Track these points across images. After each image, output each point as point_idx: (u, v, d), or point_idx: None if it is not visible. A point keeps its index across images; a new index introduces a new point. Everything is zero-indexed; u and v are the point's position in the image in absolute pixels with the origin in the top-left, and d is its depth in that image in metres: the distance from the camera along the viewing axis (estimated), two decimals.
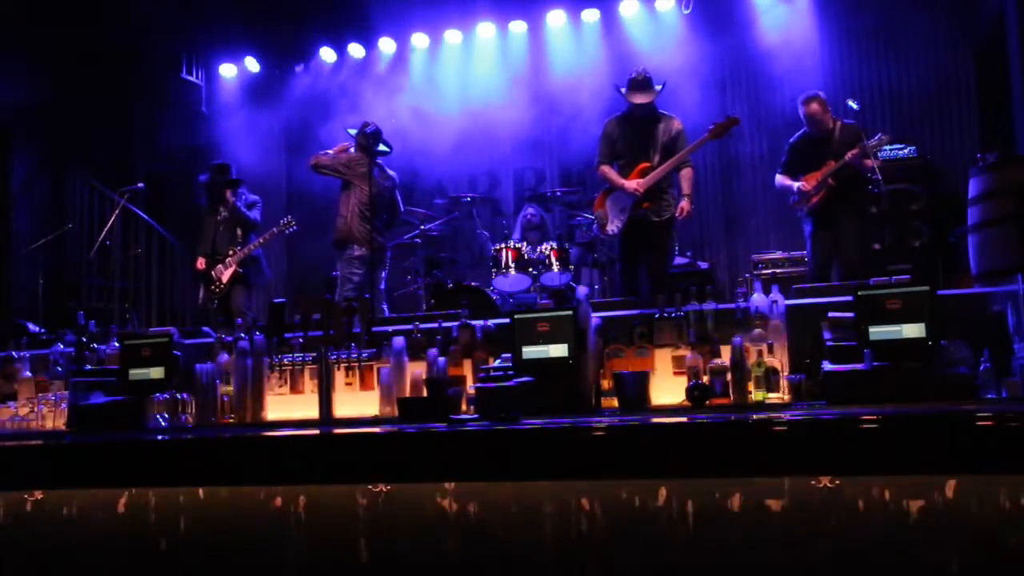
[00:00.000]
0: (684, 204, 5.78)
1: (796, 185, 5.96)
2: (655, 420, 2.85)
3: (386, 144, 6.85)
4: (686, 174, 5.84)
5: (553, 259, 7.17)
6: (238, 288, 6.83)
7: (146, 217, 8.54)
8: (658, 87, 5.88)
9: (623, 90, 5.91)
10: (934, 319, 3.49)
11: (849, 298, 3.73)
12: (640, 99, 5.83)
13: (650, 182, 5.72)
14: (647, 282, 5.79)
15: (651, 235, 5.80)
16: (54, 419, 4.59)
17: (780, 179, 6.16)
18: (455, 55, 9.78)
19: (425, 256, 7.78)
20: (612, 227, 5.87)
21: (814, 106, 6.02)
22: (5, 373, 5.08)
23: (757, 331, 3.91)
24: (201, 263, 6.90)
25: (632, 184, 5.72)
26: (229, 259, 6.78)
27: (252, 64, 10.12)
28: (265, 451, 3.03)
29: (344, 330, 4.63)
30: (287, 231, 6.94)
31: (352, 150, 6.77)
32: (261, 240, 6.89)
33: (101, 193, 8.60)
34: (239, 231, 6.89)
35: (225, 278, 6.75)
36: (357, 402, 4.36)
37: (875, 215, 7.48)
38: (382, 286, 6.87)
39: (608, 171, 5.89)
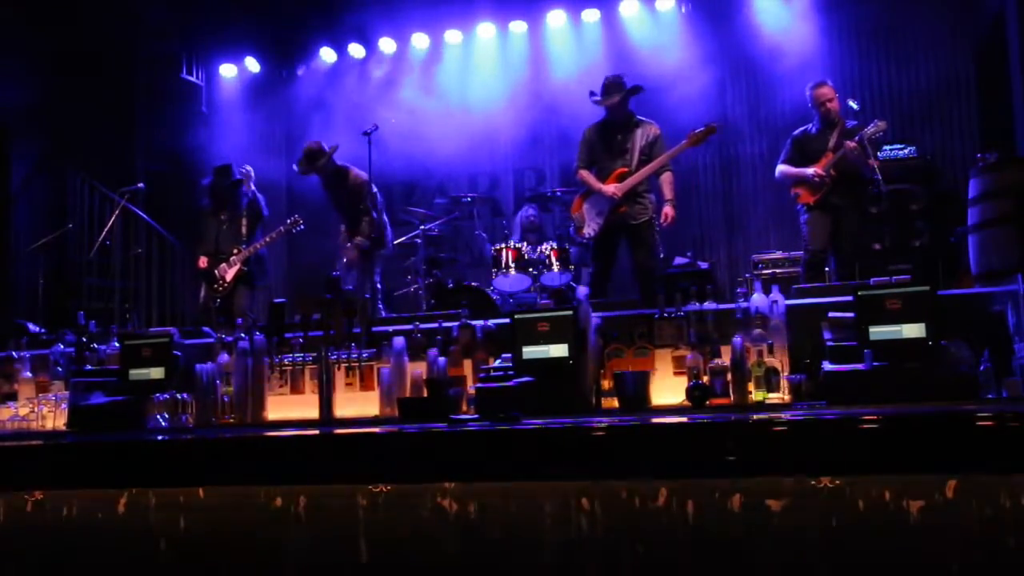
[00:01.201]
0: (668, 210, 5.90)
1: (811, 171, 5.91)
2: (655, 420, 2.85)
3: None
4: (666, 178, 5.96)
5: (553, 259, 7.18)
6: (241, 288, 6.79)
7: (146, 217, 8.54)
8: (630, 87, 5.98)
9: (597, 98, 6.04)
10: (934, 319, 3.49)
11: (849, 298, 3.73)
12: (608, 102, 5.97)
13: (628, 186, 5.86)
14: (637, 282, 5.91)
15: (631, 237, 5.94)
16: (54, 419, 4.59)
17: (783, 168, 6.14)
18: (455, 55, 9.78)
19: (425, 256, 7.79)
20: (589, 230, 6.02)
21: (824, 89, 6.04)
22: (5, 373, 5.08)
23: (757, 331, 3.90)
24: (203, 262, 6.85)
25: (610, 188, 5.87)
26: (233, 257, 6.75)
27: (252, 64, 10.13)
28: (265, 451, 3.03)
29: (344, 330, 4.64)
30: (294, 230, 6.91)
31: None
32: (267, 239, 6.86)
33: (101, 193, 8.60)
34: (244, 230, 6.85)
35: (229, 277, 6.72)
36: (357, 402, 4.36)
37: (875, 215, 7.48)
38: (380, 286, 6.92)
39: (587, 175, 6.05)
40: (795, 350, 3.95)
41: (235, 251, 6.76)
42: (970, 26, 8.32)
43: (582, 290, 4.80)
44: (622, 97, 5.94)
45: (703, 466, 2.49)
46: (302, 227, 6.89)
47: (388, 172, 9.06)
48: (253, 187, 6.96)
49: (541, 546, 2.61)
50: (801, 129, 6.20)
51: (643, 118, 6.07)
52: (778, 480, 2.43)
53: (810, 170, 5.92)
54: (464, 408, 4.05)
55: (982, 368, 3.44)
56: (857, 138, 5.78)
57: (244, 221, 6.86)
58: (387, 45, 9.84)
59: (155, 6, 8.56)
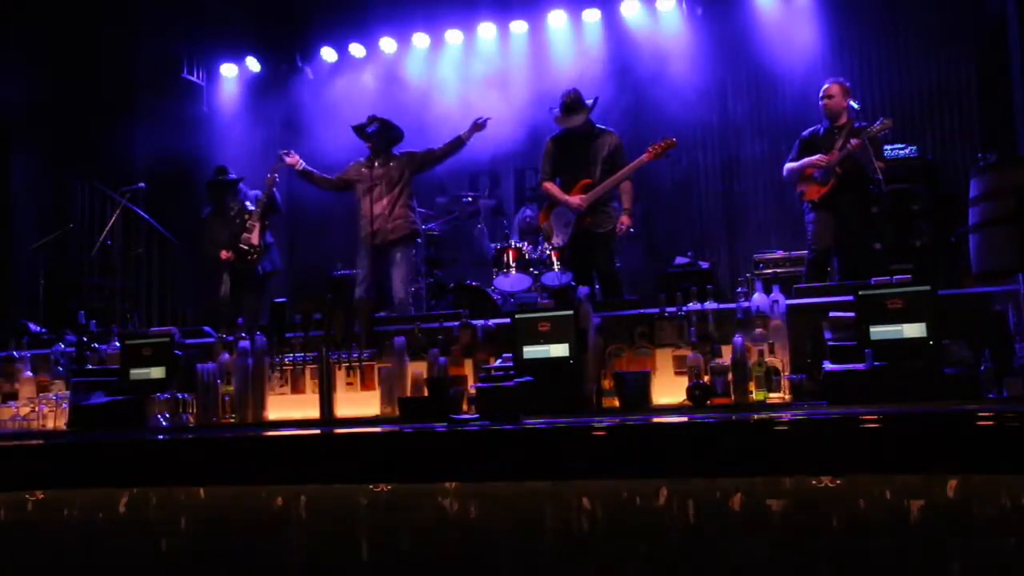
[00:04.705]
0: (624, 219, 6.03)
1: (815, 156, 5.89)
2: (655, 420, 2.86)
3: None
4: (626, 188, 6.09)
5: (554, 259, 7.17)
6: (250, 294, 6.82)
7: (147, 217, 8.53)
8: (589, 102, 6.06)
9: (557, 114, 6.11)
10: (935, 319, 3.49)
11: (850, 298, 3.73)
12: (570, 123, 6.07)
13: (592, 198, 5.99)
14: (599, 285, 6.02)
15: (595, 246, 6.05)
16: (55, 419, 4.60)
17: (789, 167, 6.14)
18: (455, 55, 9.77)
19: (426, 256, 7.78)
20: (557, 240, 6.19)
21: (830, 86, 6.11)
22: (6, 373, 5.08)
23: (758, 331, 3.91)
24: (225, 253, 6.79)
25: (575, 200, 6.01)
26: (249, 223, 6.72)
27: (253, 64, 10.12)
28: (265, 451, 3.03)
29: (345, 330, 4.64)
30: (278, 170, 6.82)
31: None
32: (270, 179, 6.76)
33: (102, 193, 8.60)
34: (251, 223, 6.86)
35: (255, 240, 6.72)
36: (358, 402, 4.36)
37: (876, 214, 7.46)
38: None
39: (551, 187, 6.19)
40: (796, 350, 3.95)
41: (245, 242, 6.75)
42: (970, 26, 8.30)
43: (583, 290, 4.80)
44: (586, 117, 6.05)
45: (703, 466, 2.49)
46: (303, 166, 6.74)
47: None
48: (247, 193, 6.94)
49: (541, 546, 2.61)
50: (810, 130, 6.20)
51: (602, 127, 6.18)
52: (778, 480, 2.43)
53: (815, 156, 5.91)
54: (464, 408, 4.05)
55: (982, 368, 3.44)
56: (862, 136, 5.77)
57: (247, 216, 6.86)
58: (387, 45, 9.82)
59: (155, 6, 8.56)
